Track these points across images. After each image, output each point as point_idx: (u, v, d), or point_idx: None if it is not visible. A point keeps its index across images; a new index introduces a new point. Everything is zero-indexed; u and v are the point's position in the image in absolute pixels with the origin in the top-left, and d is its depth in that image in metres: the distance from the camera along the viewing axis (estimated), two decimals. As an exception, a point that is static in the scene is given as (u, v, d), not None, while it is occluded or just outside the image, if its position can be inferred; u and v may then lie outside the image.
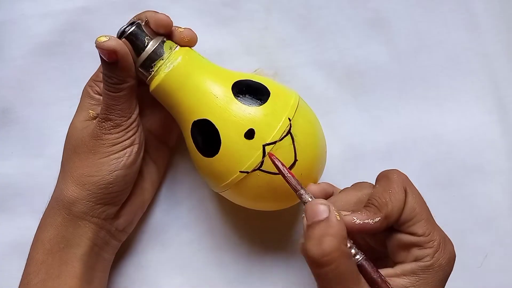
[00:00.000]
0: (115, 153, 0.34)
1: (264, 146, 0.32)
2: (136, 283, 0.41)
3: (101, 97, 0.35)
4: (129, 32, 0.33)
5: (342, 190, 0.33)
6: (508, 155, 0.43)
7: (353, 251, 0.28)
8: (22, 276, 0.35)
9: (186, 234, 0.42)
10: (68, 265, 0.34)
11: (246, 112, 0.33)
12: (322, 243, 0.27)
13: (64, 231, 0.34)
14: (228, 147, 0.32)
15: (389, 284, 0.28)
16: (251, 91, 0.34)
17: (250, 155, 0.32)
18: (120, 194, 0.36)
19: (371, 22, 0.44)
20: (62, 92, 0.43)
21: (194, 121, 0.33)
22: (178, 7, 0.43)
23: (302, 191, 0.30)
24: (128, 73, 0.33)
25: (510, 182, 0.43)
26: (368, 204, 0.30)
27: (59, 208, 0.35)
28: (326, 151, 0.37)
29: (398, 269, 0.29)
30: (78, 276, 0.34)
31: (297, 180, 0.30)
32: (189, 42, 0.35)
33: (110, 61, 0.32)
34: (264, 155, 0.32)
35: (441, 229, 0.30)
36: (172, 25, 0.35)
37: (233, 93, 0.33)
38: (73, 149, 0.35)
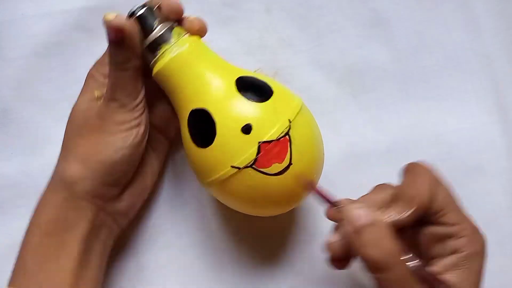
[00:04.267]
0: (122, 132, 0.34)
1: (260, 143, 0.31)
2: (136, 285, 0.41)
3: (106, 80, 0.35)
4: (138, 13, 0.33)
5: (364, 195, 0.33)
6: (508, 155, 0.43)
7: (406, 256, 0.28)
8: (15, 262, 0.34)
9: (187, 236, 0.42)
10: (67, 248, 0.33)
11: (246, 107, 0.32)
12: (382, 246, 0.27)
13: (64, 212, 0.33)
14: (223, 139, 0.31)
15: (445, 283, 0.28)
16: (254, 87, 0.33)
17: (244, 150, 0.31)
18: (124, 174, 0.35)
19: (371, 22, 0.44)
20: (62, 92, 0.43)
21: (192, 110, 0.33)
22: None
23: (341, 202, 0.29)
24: (134, 52, 0.33)
25: (510, 182, 0.43)
26: (396, 199, 0.30)
27: (60, 189, 0.34)
28: (323, 160, 0.36)
29: (440, 266, 0.29)
30: (76, 259, 0.33)
31: (332, 197, 0.31)
32: (199, 31, 0.35)
33: (117, 39, 0.32)
34: (258, 153, 0.31)
35: (469, 217, 0.30)
36: (183, 12, 0.35)
37: (235, 87, 0.33)
38: (77, 130, 0.35)
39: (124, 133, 0.34)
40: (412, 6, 0.44)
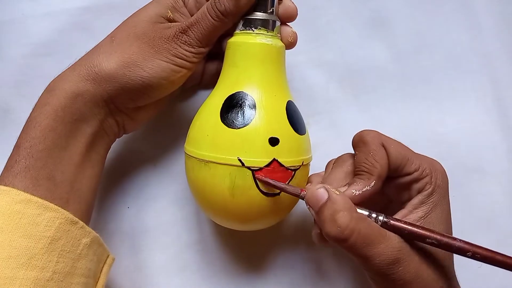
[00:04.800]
0: (173, 64, 0.34)
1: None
2: (136, 284, 0.41)
3: (183, 12, 0.35)
4: None
5: (327, 171, 0.34)
6: (508, 155, 0.43)
7: (373, 215, 0.29)
8: (18, 140, 0.32)
9: (186, 236, 0.42)
10: (76, 139, 0.33)
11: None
12: (336, 220, 0.28)
13: (82, 104, 0.33)
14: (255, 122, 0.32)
15: (419, 226, 0.29)
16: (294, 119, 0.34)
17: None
18: (145, 99, 0.35)
19: (372, 22, 0.44)
20: (62, 92, 0.43)
21: (232, 94, 0.33)
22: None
23: (302, 194, 0.31)
24: (240, 11, 0.33)
25: (510, 182, 0.43)
26: (358, 173, 0.31)
27: (87, 79, 0.33)
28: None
29: (408, 206, 0.31)
30: (82, 153, 0.33)
31: (290, 186, 0.32)
32: (291, 43, 0.36)
33: None
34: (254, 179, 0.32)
35: (425, 156, 0.32)
36: (293, 20, 0.36)
37: (286, 113, 0.33)
38: (135, 32, 0.34)
39: (174, 66, 0.34)
40: (412, 6, 0.44)
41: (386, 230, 0.29)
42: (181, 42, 0.34)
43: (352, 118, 0.43)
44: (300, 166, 0.33)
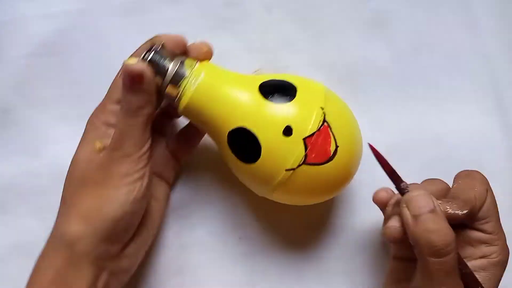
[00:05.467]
0: (125, 185, 0.32)
1: (304, 139, 0.32)
2: (136, 285, 0.41)
3: (108, 129, 0.34)
4: (150, 57, 0.33)
5: (418, 184, 0.34)
6: (508, 155, 0.43)
7: None
8: None
9: (185, 236, 0.42)
10: None
11: (279, 110, 0.33)
12: (445, 233, 0.28)
13: (65, 273, 0.31)
14: (269, 149, 0.32)
15: (476, 278, 0.30)
16: (278, 89, 0.34)
17: (293, 151, 0.32)
18: (126, 231, 0.33)
19: (371, 22, 0.44)
20: (62, 92, 0.43)
21: (229, 131, 0.33)
22: (179, 8, 0.43)
23: (404, 184, 0.31)
24: (150, 98, 0.32)
25: (510, 182, 0.43)
26: (454, 197, 0.32)
27: (60, 247, 0.32)
28: (360, 130, 0.37)
29: (469, 264, 0.31)
30: None
31: (395, 171, 0.32)
32: (206, 54, 0.35)
33: (135, 84, 0.31)
34: (306, 149, 0.32)
35: (503, 229, 0.32)
36: (187, 43, 0.35)
37: (261, 95, 0.33)
38: (78, 183, 0.33)
39: (127, 187, 0.32)
40: (412, 6, 0.44)
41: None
42: (118, 160, 0.32)
43: (352, 118, 0.43)
44: (323, 113, 0.33)
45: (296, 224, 0.42)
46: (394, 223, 0.32)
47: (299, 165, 0.32)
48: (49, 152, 0.42)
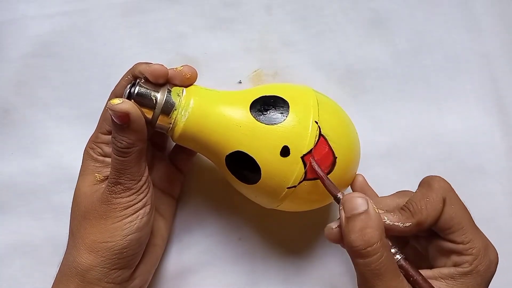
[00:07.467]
0: (128, 216, 0.33)
1: (302, 157, 0.32)
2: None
3: (105, 159, 0.34)
4: (135, 93, 0.32)
5: (382, 197, 0.34)
6: (508, 155, 0.43)
7: (393, 250, 0.29)
8: None
9: (186, 237, 0.42)
10: None
11: (274, 132, 0.32)
12: (365, 234, 0.28)
13: None
14: (269, 170, 0.32)
15: (430, 284, 0.28)
16: (269, 107, 0.33)
17: (292, 170, 0.32)
18: (134, 257, 0.34)
19: (372, 22, 0.44)
20: (62, 92, 0.43)
21: (227, 156, 0.33)
22: (178, 8, 0.43)
23: (339, 195, 0.31)
24: (139, 135, 0.32)
25: (510, 182, 0.43)
26: (403, 208, 0.31)
27: (72, 276, 0.33)
28: (356, 132, 0.37)
29: (436, 271, 0.30)
30: None
31: (333, 183, 0.32)
32: (191, 78, 0.34)
33: (122, 123, 0.31)
34: (305, 166, 0.32)
35: (484, 236, 0.31)
36: (169, 72, 0.34)
37: (253, 116, 0.33)
38: (82, 216, 0.34)
39: (129, 218, 0.33)
40: (412, 6, 0.44)
41: (402, 275, 0.28)
42: (119, 193, 0.32)
43: (352, 118, 0.43)
44: (317, 127, 0.33)
45: (295, 224, 0.42)
46: (333, 224, 0.31)
47: (300, 182, 0.32)
48: (49, 152, 0.42)
